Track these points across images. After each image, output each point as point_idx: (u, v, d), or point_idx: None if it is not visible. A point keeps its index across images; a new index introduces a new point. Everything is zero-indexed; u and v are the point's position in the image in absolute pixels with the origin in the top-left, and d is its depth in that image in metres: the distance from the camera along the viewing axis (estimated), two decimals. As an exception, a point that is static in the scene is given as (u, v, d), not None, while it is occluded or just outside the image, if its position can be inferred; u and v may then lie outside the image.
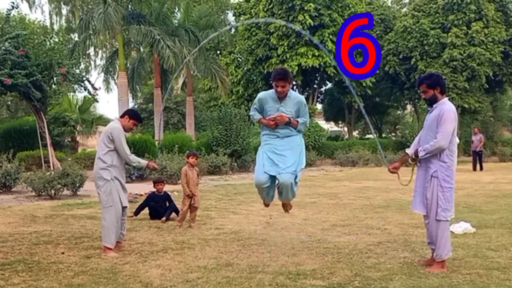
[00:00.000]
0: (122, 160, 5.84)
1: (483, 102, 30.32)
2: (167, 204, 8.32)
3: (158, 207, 8.20)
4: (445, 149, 4.81)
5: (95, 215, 8.56)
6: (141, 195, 11.37)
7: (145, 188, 12.80)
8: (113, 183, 5.70)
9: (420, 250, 5.67)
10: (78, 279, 4.61)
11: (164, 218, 7.90)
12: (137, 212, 8.31)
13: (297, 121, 5.27)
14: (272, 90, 5.28)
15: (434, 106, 4.97)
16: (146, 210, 8.36)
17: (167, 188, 13.12)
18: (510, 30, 28.77)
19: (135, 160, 5.96)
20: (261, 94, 5.41)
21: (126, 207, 5.92)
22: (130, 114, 6.04)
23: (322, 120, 39.28)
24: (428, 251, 5.62)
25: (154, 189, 8.55)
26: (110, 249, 5.62)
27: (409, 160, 5.07)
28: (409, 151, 5.16)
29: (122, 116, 6.02)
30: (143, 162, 6.06)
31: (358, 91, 30.65)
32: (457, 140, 20.14)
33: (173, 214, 8.16)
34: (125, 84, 23.28)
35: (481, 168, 20.23)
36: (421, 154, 4.85)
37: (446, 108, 4.84)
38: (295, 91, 33.05)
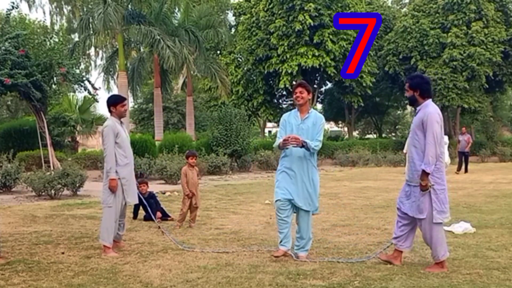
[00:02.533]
0: (121, 157, 5.77)
1: (483, 102, 30.32)
2: (155, 205, 8.20)
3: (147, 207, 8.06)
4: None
5: (95, 215, 8.56)
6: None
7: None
8: (118, 182, 5.69)
9: (420, 250, 5.66)
10: (78, 279, 4.61)
11: (158, 220, 7.74)
12: (135, 216, 8.26)
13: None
14: (295, 109, 5.52)
15: (418, 108, 5.01)
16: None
17: (167, 188, 13.16)
18: (510, 30, 28.76)
19: (110, 166, 5.68)
20: (284, 116, 5.65)
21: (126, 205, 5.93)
22: (110, 102, 5.90)
23: (322, 120, 39.24)
24: (428, 251, 5.63)
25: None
26: (109, 247, 5.63)
27: (421, 190, 4.89)
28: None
29: (109, 111, 5.93)
30: (112, 174, 5.66)
31: (358, 91, 30.67)
32: (446, 141, 20.09)
33: (173, 214, 8.14)
34: (125, 84, 23.27)
35: (466, 170, 19.07)
36: (429, 169, 4.76)
37: (431, 111, 4.85)
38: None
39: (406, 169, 5.26)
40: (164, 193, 11.78)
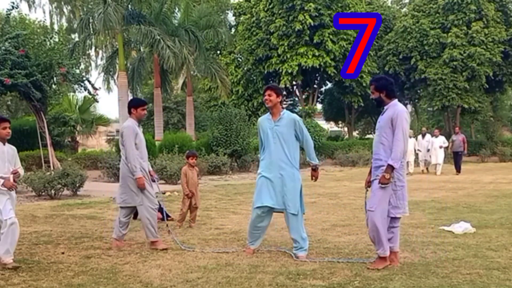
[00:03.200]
0: (142, 156, 5.93)
1: (483, 102, 30.30)
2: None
3: None
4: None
5: (95, 215, 8.57)
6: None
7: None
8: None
9: (420, 250, 5.66)
10: (78, 279, 4.62)
11: (159, 220, 7.77)
12: (135, 216, 8.25)
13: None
14: (268, 113, 5.67)
15: (386, 107, 5.13)
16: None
17: (167, 188, 13.15)
18: (510, 30, 28.74)
19: (136, 166, 5.80)
20: (259, 120, 5.80)
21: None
22: (133, 104, 6.10)
23: (322, 120, 39.27)
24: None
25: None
26: (157, 241, 5.90)
27: (381, 184, 4.98)
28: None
29: (129, 112, 6.09)
30: (137, 173, 5.80)
31: (358, 91, 30.66)
32: (443, 143, 19.81)
33: (173, 214, 8.14)
34: (125, 84, 23.27)
35: (459, 171, 18.61)
36: (396, 165, 4.88)
37: (399, 109, 5.02)
38: (295, 92, 32.57)
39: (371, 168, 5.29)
40: (164, 193, 11.78)
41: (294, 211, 5.42)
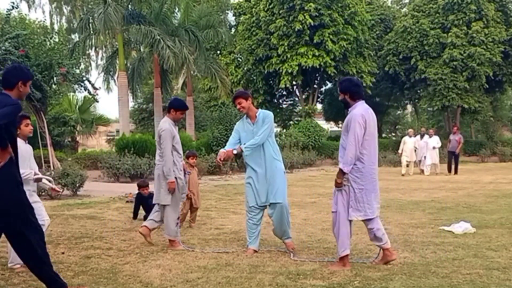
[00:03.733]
0: (177, 157, 6.03)
1: (483, 102, 30.31)
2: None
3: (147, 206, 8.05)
4: (360, 154, 4.91)
5: (95, 215, 8.57)
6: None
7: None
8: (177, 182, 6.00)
9: (420, 250, 5.67)
10: (78, 279, 4.62)
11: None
12: (135, 216, 8.26)
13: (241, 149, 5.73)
14: (245, 116, 5.84)
15: (349, 110, 5.16)
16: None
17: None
18: (510, 30, 28.75)
19: (170, 169, 5.91)
20: (237, 123, 5.97)
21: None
22: (174, 105, 6.14)
23: (322, 120, 39.25)
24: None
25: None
26: (176, 242, 6.00)
27: (335, 187, 5.05)
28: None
29: (168, 111, 6.18)
30: (171, 177, 5.92)
31: (358, 91, 30.62)
32: (437, 144, 19.56)
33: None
34: (125, 84, 23.28)
35: (456, 171, 18.29)
36: (346, 169, 4.89)
37: (354, 112, 5.02)
38: (295, 92, 32.39)
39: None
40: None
41: (280, 200, 5.56)
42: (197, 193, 7.61)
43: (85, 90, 16.57)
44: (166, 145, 5.90)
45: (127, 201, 10.12)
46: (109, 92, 49.44)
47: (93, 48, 37.94)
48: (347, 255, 4.94)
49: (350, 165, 4.87)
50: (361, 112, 5.00)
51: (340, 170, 4.90)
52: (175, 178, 5.94)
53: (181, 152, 6.20)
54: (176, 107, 6.12)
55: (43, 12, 50.00)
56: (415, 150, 18.80)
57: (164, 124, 6.05)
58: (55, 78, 15.69)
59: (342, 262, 4.94)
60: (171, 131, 5.97)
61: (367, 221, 5.02)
